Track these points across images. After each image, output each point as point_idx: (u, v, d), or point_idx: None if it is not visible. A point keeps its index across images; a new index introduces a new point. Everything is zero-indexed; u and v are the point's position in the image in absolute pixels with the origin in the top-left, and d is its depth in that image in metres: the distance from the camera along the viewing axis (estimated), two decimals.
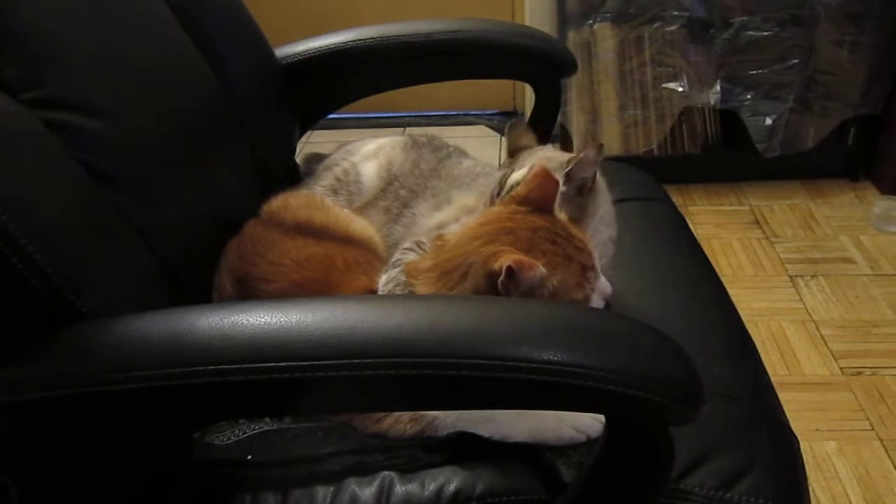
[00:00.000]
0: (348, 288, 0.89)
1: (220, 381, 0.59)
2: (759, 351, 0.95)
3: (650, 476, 0.64)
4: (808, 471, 0.82)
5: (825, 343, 1.76)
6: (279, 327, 0.60)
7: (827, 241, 2.16)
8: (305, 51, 1.21)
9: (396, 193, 1.10)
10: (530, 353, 0.56)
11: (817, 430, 1.53)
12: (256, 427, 0.81)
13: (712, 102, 2.27)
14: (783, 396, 0.87)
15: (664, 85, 2.26)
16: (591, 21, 2.23)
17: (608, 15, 2.21)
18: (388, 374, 0.57)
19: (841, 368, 1.69)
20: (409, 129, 2.76)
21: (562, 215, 0.84)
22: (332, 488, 0.72)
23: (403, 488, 0.71)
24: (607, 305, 0.84)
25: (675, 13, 2.19)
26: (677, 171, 2.39)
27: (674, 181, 2.30)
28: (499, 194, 0.94)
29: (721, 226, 2.25)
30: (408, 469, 0.73)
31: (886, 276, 1.99)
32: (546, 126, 1.26)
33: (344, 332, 0.59)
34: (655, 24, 2.21)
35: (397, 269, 0.87)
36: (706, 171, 2.43)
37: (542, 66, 1.24)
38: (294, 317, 0.61)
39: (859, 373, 1.67)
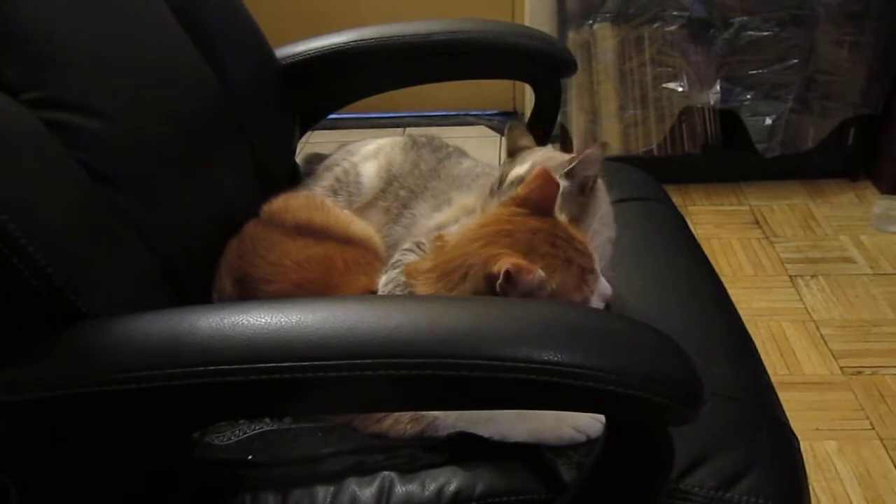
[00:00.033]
0: (348, 288, 0.89)
1: (220, 382, 0.59)
2: (759, 351, 0.95)
3: (650, 476, 0.64)
4: (808, 470, 0.82)
5: (825, 343, 1.76)
6: (279, 328, 0.60)
7: (827, 240, 2.16)
8: (305, 51, 1.21)
9: (396, 194, 1.10)
10: (530, 354, 0.56)
11: (817, 429, 1.53)
12: (256, 427, 0.81)
13: (712, 102, 2.27)
14: (783, 396, 0.87)
15: (664, 85, 2.26)
16: (590, 21, 2.23)
17: (608, 15, 2.21)
18: (388, 375, 0.57)
19: (841, 368, 1.69)
20: (409, 130, 2.76)
21: (562, 217, 0.84)
22: (332, 488, 0.72)
23: (403, 488, 0.71)
24: (607, 306, 0.84)
25: (675, 13, 2.19)
26: (677, 171, 2.39)
27: (674, 181, 2.30)
28: (499, 187, 0.94)
29: (721, 226, 2.25)
30: (408, 469, 0.73)
31: (886, 276, 1.99)
32: (546, 126, 1.26)
33: (344, 333, 0.59)
34: (655, 24, 2.21)
35: (397, 270, 0.88)
36: (706, 171, 2.43)
37: (541, 66, 1.24)
38: (294, 317, 0.61)
39: (859, 372, 1.67)
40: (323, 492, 0.72)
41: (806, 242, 2.16)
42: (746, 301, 1.90)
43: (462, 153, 1.17)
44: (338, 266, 0.92)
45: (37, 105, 0.73)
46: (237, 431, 0.81)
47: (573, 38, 2.26)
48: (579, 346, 0.58)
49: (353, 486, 0.72)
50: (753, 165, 2.38)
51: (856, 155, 2.39)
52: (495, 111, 2.96)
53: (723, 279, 1.06)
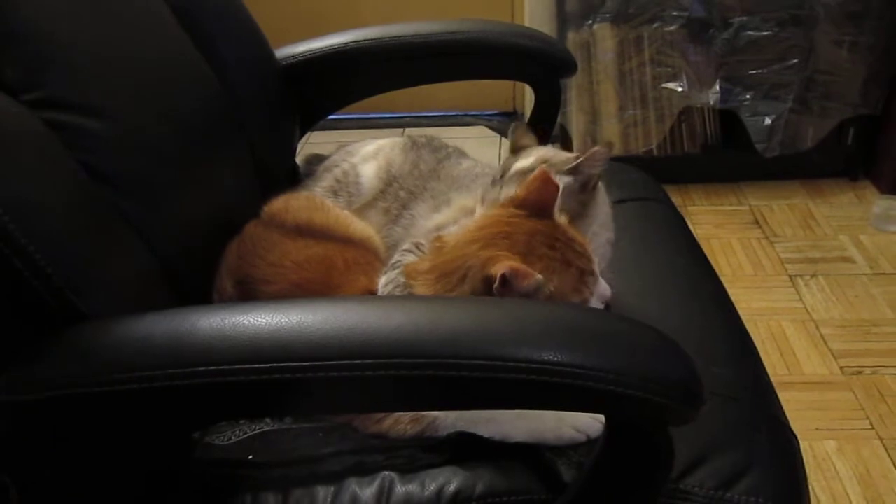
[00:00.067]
0: (348, 289, 0.89)
1: (221, 382, 0.59)
2: (759, 350, 0.95)
3: (650, 476, 0.64)
4: (807, 470, 0.82)
5: (825, 342, 1.77)
6: (280, 328, 0.60)
7: (826, 240, 2.16)
8: (305, 52, 1.21)
9: (396, 194, 1.10)
10: (530, 354, 0.56)
11: (817, 429, 1.53)
12: (257, 427, 0.81)
13: (712, 102, 2.27)
14: (783, 396, 0.87)
15: (664, 85, 2.26)
16: (590, 21, 2.23)
17: (608, 15, 2.22)
18: (389, 375, 0.57)
19: (841, 368, 1.69)
20: (408, 130, 2.76)
21: (562, 219, 0.84)
22: (332, 488, 0.72)
23: (404, 488, 0.71)
24: (607, 306, 0.84)
25: (675, 13, 2.19)
26: (677, 171, 2.39)
27: (673, 181, 2.30)
28: (501, 177, 0.94)
29: (720, 226, 2.25)
30: (408, 469, 0.73)
31: (886, 276, 2.00)
32: (546, 126, 1.26)
33: (344, 333, 0.59)
34: (655, 25, 2.21)
35: (396, 271, 0.88)
36: (706, 171, 2.43)
37: (541, 66, 1.24)
38: (295, 317, 0.61)
39: (859, 372, 1.67)
40: (323, 492, 0.72)
41: (805, 242, 2.16)
42: (746, 301, 1.90)
43: (462, 154, 1.17)
44: (338, 267, 0.92)
45: (37, 105, 0.73)
46: (237, 431, 0.81)
47: (573, 39, 2.26)
48: (579, 346, 0.58)
49: (353, 486, 0.72)
50: (753, 165, 2.38)
51: (855, 155, 2.39)
52: (495, 111, 2.97)
53: (722, 279, 1.06)
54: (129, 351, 0.63)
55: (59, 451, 0.67)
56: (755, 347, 0.94)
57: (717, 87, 2.26)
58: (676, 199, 2.04)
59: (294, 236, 0.95)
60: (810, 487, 0.92)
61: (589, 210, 0.93)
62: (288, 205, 1.02)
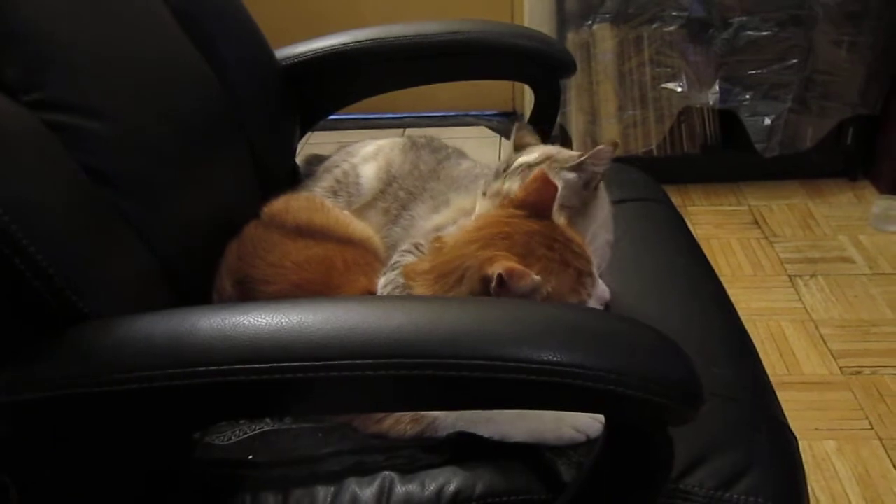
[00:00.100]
0: (348, 289, 0.89)
1: (221, 382, 0.59)
2: (759, 351, 0.95)
3: (650, 476, 0.64)
4: (807, 470, 0.82)
5: (824, 342, 1.77)
6: (280, 328, 0.60)
7: (826, 240, 2.16)
8: (306, 52, 1.21)
9: (395, 195, 1.10)
10: (530, 354, 0.56)
11: (816, 429, 1.53)
12: (257, 427, 0.81)
13: (711, 102, 2.28)
14: (782, 396, 0.87)
15: (663, 85, 2.26)
16: (590, 22, 2.23)
17: (607, 15, 2.22)
18: (389, 375, 0.57)
19: (840, 368, 1.69)
20: (408, 130, 2.76)
21: (561, 220, 0.84)
22: (332, 488, 0.72)
23: (404, 488, 0.71)
24: (606, 307, 0.84)
25: (674, 13, 2.19)
26: (676, 171, 2.39)
27: (673, 181, 2.30)
28: (505, 170, 0.94)
29: (720, 226, 2.25)
30: (408, 469, 0.73)
31: (885, 276, 2.00)
32: (545, 127, 1.26)
33: (345, 333, 0.59)
34: (654, 25, 2.21)
35: (395, 272, 0.88)
36: (705, 172, 2.44)
37: (541, 66, 1.24)
38: (295, 318, 0.61)
39: (858, 372, 1.67)
40: (323, 492, 0.72)
41: (805, 242, 2.16)
42: (745, 301, 1.90)
43: (461, 154, 1.17)
44: (338, 267, 0.92)
45: (37, 106, 0.73)
46: (237, 431, 0.81)
47: (572, 39, 2.26)
48: (579, 346, 0.58)
49: (353, 486, 0.72)
50: (752, 165, 2.38)
51: (854, 155, 2.39)
52: (495, 112, 2.97)
53: (722, 279, 1.06)
54: (129, 351, 0.63)
55: (59, 451, 0.67)
56: (755, 347, 0.94)
57: (717, 88, 2.26)
58: (676, 200, 2.04)
59: (294, 237, 0.95)
60: (810, 487, 0.92)
61: (589, 209, 0.93)
62: (288, 205, 1.02)
